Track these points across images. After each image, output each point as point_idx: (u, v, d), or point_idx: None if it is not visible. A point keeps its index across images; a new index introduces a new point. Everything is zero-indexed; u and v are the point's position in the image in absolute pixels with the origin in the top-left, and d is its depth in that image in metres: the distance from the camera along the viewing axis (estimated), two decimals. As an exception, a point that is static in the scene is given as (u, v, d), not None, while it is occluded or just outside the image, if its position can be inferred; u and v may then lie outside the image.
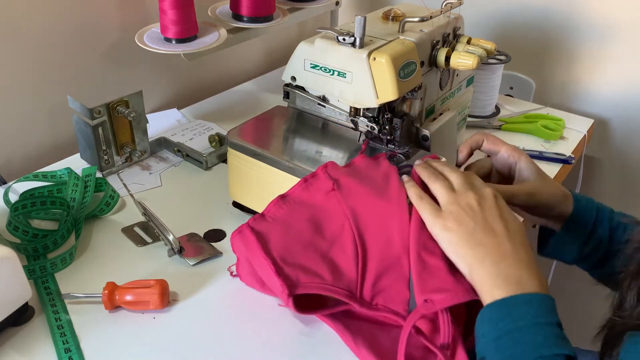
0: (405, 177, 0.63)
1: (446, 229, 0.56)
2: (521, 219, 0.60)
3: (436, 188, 0.59)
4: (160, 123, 1.02)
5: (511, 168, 0.68)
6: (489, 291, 0.52)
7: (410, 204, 0.60)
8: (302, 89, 0.78)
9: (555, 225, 0.69)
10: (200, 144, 0.96)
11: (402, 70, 0.69)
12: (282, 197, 0.64)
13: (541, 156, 0.94)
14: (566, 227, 0.67)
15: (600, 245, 0.67)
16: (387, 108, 0.74)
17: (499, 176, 0.71)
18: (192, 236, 0.75)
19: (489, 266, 0.53)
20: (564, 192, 0.67)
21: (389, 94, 0.69)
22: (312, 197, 0.64)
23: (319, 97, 0.77)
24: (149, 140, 0.92)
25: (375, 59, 0.68)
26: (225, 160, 0.89)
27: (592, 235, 0.67)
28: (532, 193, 0.65)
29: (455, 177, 0.60)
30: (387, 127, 0.73)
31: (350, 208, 0.62)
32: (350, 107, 0.74)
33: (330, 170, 0.65)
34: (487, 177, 0.71)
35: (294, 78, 0.77)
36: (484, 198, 0.58)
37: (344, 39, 0.70)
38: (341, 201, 0.62)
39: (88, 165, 0.87)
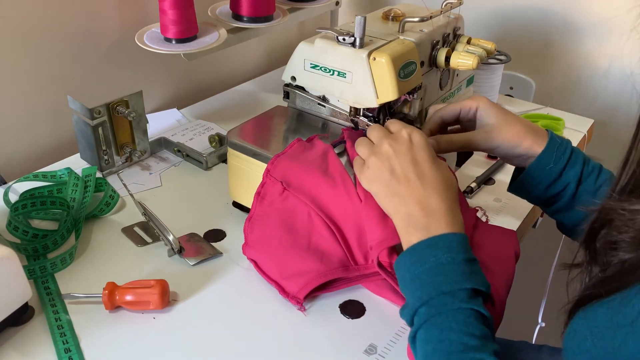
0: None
1: (369, 181, 0.59)
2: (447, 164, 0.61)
3: (358, 148, 0.62)
4: (160, 123, 1.02)
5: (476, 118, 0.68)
6: (406, 238, 0.55)
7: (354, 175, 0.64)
8: (302, 89, 0.78)
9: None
10: (200, 144, 0.96)
11: (402, 70, 0.69)
12: (249, 220, 0.68)
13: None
14: (533, 165, 0.64)
15: (567, 190, 0.64)
16: (387, 108, 0.74)
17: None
18: (192, 236, 0.75)
19: (403, 215, 0.56)
20: (526, 131, 0.64)
21: (389, 94, 0.69)
22: (270, 204, 0.67)
23: (319, 97, 0.77)
24: (149, 140, 0.92)
25: (375, 59, 0.68)
26: (225, 160, 0.89)
27: (559, 178, 0.64)
28: (487, 137, 0.65)
29: (373, 132, 0.62)
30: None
31: (307, 197, 0.65)
32: (350, 107, 0.74)
33: (274, 173, 0.67)
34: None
35: (294, 78, 0.77)
36: (398, 142, 0.59)
37: (344, 39, 0.70)
38: (297, 196, 0.66)
39: (88, 165, 0.87)
